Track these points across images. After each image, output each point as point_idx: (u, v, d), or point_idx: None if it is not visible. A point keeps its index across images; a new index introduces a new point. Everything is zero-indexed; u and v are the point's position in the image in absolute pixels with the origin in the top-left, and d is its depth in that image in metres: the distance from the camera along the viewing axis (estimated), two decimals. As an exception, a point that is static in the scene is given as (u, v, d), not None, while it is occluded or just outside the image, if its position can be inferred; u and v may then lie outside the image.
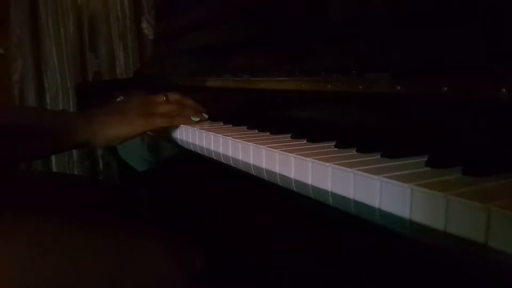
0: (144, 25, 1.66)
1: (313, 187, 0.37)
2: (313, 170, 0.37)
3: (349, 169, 0.33)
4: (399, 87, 0.43)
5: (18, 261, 0.40)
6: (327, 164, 0.35)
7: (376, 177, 0.31)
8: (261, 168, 0.44)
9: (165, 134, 0.71)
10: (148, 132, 0.74)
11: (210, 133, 0.55)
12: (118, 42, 1.62)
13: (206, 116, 0.68)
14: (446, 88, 0.38)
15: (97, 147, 0.61)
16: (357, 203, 0.32)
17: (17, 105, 1.30)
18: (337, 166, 0.34)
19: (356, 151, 0.40)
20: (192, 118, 0.66)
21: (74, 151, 1.60)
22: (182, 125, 0.65)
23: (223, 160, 0.53)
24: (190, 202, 0.84)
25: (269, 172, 0.43)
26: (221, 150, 0.53)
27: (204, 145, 0.57)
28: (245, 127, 0.59)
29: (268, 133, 0.53)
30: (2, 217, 0.43)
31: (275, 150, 0.42)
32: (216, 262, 0.50)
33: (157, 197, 1.06)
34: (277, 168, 0.42)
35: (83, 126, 0.60)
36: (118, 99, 0.71)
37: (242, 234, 0.65)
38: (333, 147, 0.42)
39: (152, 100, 0.67)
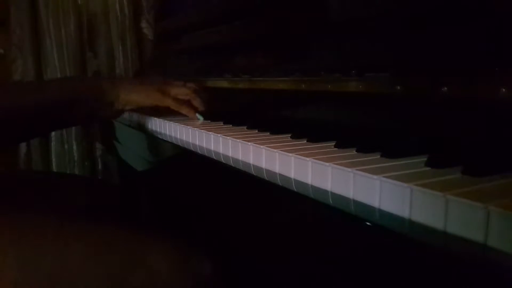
0: (143, 25, 1.65)
1: (313, 187, 0.37)
2: (313, 170, 0.37)
3: (349, 169, 0.33)
4: (399, 87, 0.43)
5: (17, 260, 0.40)
6: (327, 164, 0.35)
7: (376, 177, 0.31)
8: (261, 168, 0.44)
9: (165, 133, 0.71)
10: (149, 133, 0.75)
11: (210, 133, 0.55)
12: (118, 42, 1.62)
13: (201, 118, 0.73)
14: (446, 88, 0.38)
15: (117, 107, 0.71)
16: (357, 203, 0.32)
17: (55, 79, 1.34)
18: (337, 166, 0.34)
19: (356, 151, 0.40)
20: (197, 116, 0.73)
21: (74, 151, 1.60)
22: (183, 125, 0.65)
23: (223, 160, 0.53)
24: (190, 202, 0.84)
25: (269, 172, 0.43)
26: (221, 150, 0.53)
27: (204, 145, 0.57)
28: (245, 127, 0.59)
29: (268, 133, 0.53)
30: (2, 217, 0.43)
31: (275, 150, 0.42)
32: (216, 262, 0.50)
33: (157, 197, 1.06)
34: (277, 168, 0.42)
35: (109, 90, 0.68)
36: None
37: (242, 234, 0.65)
38: (333, 147, 0.42)
39: (171, 82, 0.75)
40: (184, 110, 0.72)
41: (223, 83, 0.79)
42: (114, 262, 0.45)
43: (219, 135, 0.53)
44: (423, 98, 0.41)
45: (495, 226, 0.23)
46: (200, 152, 0.59)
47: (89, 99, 0.67)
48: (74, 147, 1.60)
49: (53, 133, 1.55)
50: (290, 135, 0.49)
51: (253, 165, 0.46)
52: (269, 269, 0.57)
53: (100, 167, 1.65)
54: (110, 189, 0.87)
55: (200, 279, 0.48)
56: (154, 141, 0.87)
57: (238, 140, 0.48)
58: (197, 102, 0.73)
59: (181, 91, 0.73)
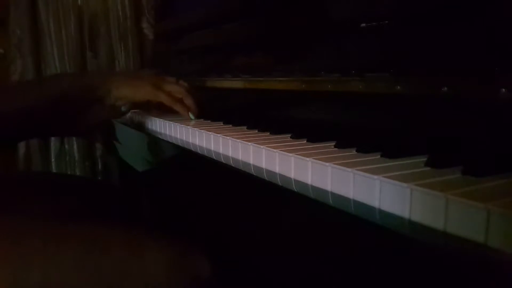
0: (144, 25, 1.65)
1: (313, 187, 0.37)
2: (313, 170, 0.37)
3: (349, 169, 0.33)
4: (399, 87, 0.43)
5: (17, 261, 0.40)
6: (327, 164, 0.35)
7: (376, 177, 0.31)
8: (261, 168, 0.44)
9: (165, 133, 0.71)
10: (149, 133, 0.75)
11: (210, 133, 0.55)
12: (118, 43, 1.62)
13: (193, 117, 0.73)
14: (446, 88, 0.38)
15: (108, 103, 0.69)
16: (357, 203, 0.32)
17: (40, 79, 1.29)
18: (337, 166, 0.34)
19: (356, 151, 0.40)
20: (190, 115, 0.72)
21: (75, 152, 1.60)
22: (183, 125, 0.65)
23: (223, 160, 0.53)
24: (190, 202, 0.84)
25: (269, 172, 0.43)
26: (221, 150, 0.53)
27: (204, 145, 0.57)
28: (245, 127, 0.59)
29: (268, 133, 0.53)
30: (1, 217, 0.43)
31: (275, 150, 0.42)
32: (216, 263, 0.50)
33: (157, 197, 1.06)
34: (277, 168, 0.42)
35: (100, 85, 0.67)
36: None
37: (242, 234, 0.65)
38: (333, 147, 0.42)
39: (164, 78, 0.74)
40: (178, 107, 0.71)
41: (223, 83, 0.79)
42: (114, 262, 0.45)
43: (219, 135, 0.53)
44: (423, 98, 0.41)
45: (495, 226, 0.23)
46: (200, 152, 0.59)
47: (78, 96, 0.66)
48: (74, 147, 1.60)
49: (53, 133, 1.55)
50: (290, 135, 0.49)
51: (253, 165, 0.46)
52: (269, 270, 0.57)
53: (100, 167, 1.65)
54: (110, 189, 0.87)
55: (200, 280, 0.48)
56: (154, 141, 0.87)
57: (238, 140, 0.48)
58: (189, 101, 0.72)
59: (174, 88, 0.72)
